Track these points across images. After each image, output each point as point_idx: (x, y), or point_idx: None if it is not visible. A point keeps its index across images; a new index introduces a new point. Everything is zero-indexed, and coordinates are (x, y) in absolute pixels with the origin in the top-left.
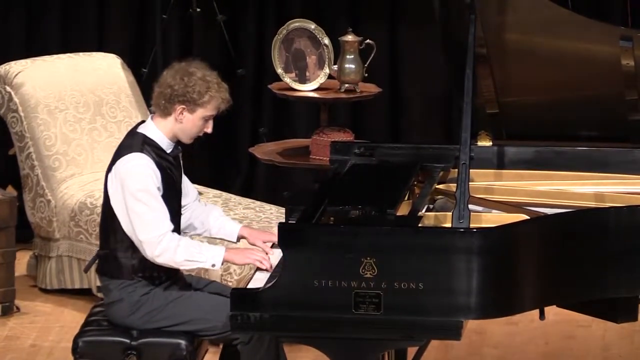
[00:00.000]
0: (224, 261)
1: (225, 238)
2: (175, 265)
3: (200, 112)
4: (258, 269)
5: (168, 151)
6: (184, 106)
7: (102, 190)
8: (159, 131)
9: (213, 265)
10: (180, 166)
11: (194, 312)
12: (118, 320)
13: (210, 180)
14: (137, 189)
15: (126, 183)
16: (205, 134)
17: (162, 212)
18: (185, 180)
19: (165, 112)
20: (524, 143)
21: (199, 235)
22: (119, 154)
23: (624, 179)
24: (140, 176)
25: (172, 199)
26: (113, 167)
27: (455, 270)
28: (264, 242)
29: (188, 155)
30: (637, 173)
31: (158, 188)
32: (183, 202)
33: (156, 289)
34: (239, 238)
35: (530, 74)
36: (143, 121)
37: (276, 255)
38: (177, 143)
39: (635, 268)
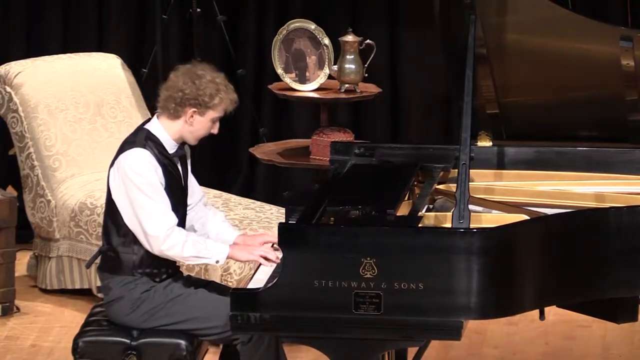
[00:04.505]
0: (229, 257)
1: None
2: (181, 260)
3: (210, 115)
4: (257, 269)
5: (171, 151)
6: (195, 109)
7: (103, 190)
8: (164, 131)
9: (217, 262)
10: (187, 166)
11: (194, 311)
12: (118, 319)
13: (210, 180)
14: (140, 182)
15: (129, 177)
16: (210, 134)
17: (167, 205)
18: (192, 181)
19: (175, 115)
20: (524, 143)
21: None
22: (122, 148)
23: (624, 179)
24: (142, 170)
25: (176, 197)
26: (115, 162)
27: (455, 271)
28: (260, 244)
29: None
30: (637, 173)
31: (160, 183)
32: (188, 202)
33: (157, 286)
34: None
35: (530, 74)
36: (150, 119)
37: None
38: (182, 144)
39: (635, 268)
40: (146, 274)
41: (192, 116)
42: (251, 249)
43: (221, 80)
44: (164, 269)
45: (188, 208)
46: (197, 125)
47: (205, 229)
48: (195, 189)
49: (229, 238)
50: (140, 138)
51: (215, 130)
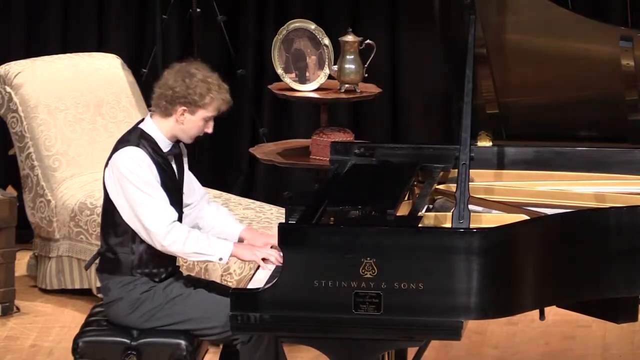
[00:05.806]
0: (232, 255)
1: (227, 239)
2: (183, 256)
3: (201, 114)
4: (257, 269)
5: (165, 150)
6: (185, 107)
7: (102, 190)
8: (157, 130)
9: (220, 259)
10: (182, 165)
11: (194, 311)
12: (118, 320)
13: (210, 180)
14: (136, 180)
15: (124, 175)
16: (205, 133)
17: (165, 200)
18: (191, 180)
19: (166, 113)
20: (523, 143)
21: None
22: (116, 147)
23: (624, 179)
24: (136, 168)
25: (172, 196)
26: (109, 161)
27: (455, 271)
28: (264, 244)
29: (189, 155)
30: (637, 173)
31: (156, 181)
32: (189, 201)
33: (157, 286)
34: (240, 240)
35: (530, 74)
36: (144, 119)
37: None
38: (177, 142)
39: (635, 268)
40: (145, 274)
41: (182, 114)
42: (255, 249)
43: (213, 80)
44: (163, 268)
45: (190, 207)
46: (189, 124)
47: (210, 226)
48: (195, 188)
49: (233, 233)
50: (134, 137)
51: (209, 130)
